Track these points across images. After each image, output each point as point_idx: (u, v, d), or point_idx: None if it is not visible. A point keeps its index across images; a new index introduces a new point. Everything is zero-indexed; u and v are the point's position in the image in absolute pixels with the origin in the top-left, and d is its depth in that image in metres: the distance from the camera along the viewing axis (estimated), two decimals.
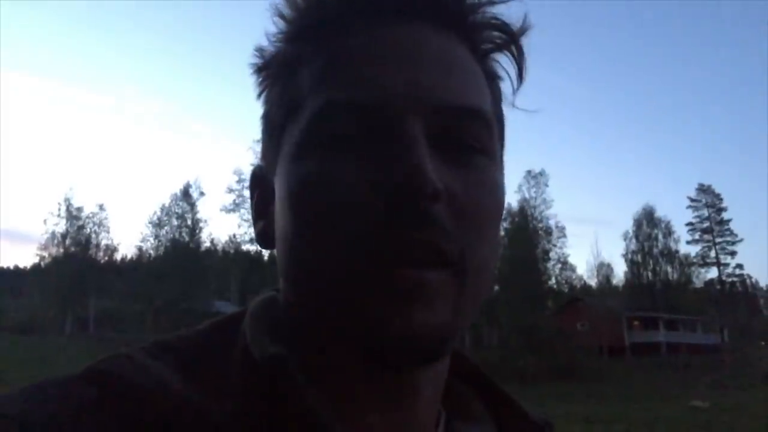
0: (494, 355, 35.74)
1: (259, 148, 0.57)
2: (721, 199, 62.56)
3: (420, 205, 0.42)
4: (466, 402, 0.56)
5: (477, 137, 0.47)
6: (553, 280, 46.36)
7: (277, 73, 0.52)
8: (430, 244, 0.42)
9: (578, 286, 57.74)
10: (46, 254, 48.70)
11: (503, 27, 0.51)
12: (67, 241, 48.35)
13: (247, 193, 0.68)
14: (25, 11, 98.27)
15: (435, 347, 0.43)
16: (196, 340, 0.49)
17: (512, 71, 0.52)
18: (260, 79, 0.54)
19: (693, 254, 61.99)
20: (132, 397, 0.41)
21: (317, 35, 0.49)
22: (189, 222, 48.29)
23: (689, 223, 62.88)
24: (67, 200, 49.06)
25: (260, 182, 0.54)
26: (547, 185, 45.95)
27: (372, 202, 0.43)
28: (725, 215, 62.28)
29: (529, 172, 45.81)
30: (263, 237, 0.53)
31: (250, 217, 0.58)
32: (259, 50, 0.53)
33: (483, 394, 0.58)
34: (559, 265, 46.62)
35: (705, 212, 62.66)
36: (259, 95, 0.54)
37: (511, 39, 0.51)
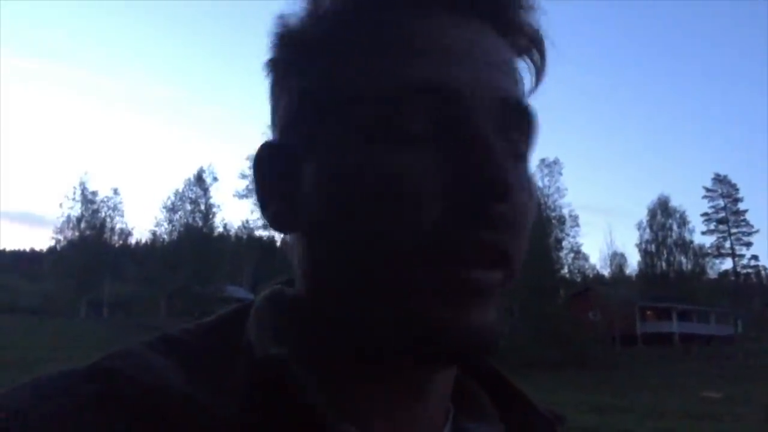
0: (505, 344, 35.66)
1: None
2: (737, 190, 62.00)
3: (495, 206, 0.42)
4: (475, 399, 0.55)
5: (525, 136, 0.47)
6: (566, 269, 46.25)
7: (319, 48, 0.48)
8: (498, 245, 0.42)
9: (591, 275, 57.55)
10: (61, 237, 49.28)
11: (535, 28, 0.50)
12: (82, 225, 48.84)
13: None
14: None
15: (491, 346, 0.43)
16: (201, 336, 0.48)
17: (532, 70, 0.52)
18: (292, 52, 0.49)
19: (708, 245, 61.67)
20: (136, 395, 0.41)
21: (370, 17, 0.47)
22: (202, 207, 48.49)
23: (704, 214, 62.40)
24: (83, 184, 49.61)
25: (280, 160, 0.50)
26: (561, 174, 45.77)
27: (446, 198, 0.42)
28: (741, 206, 61.83)
29: (542, 160, 45.47)
30: (282, 220, 0.49)
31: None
32: (284, 21, 0.50)
33: (492, 390, 0.56)
34: (572, 254, 46.49)
35: (720, 202, 62.13)
36: (287, 69, 0.50)
37: (539, 41, 0.51)
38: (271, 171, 0.50)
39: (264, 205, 0.50)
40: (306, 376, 0.42)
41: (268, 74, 0.51)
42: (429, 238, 0.41)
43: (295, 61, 0.49)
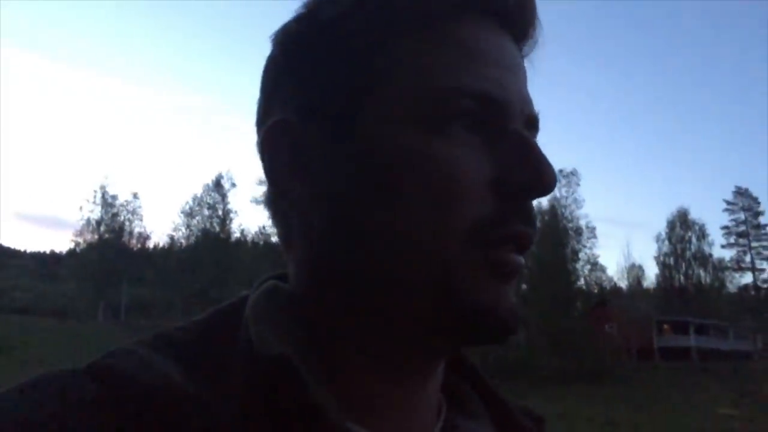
0: (520, 355, 35.54)
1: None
2: (759, 203, 61.29)
3: (530, 203, 0.47)
4: (465, 397, 0.57)
5: None
6: (582, 281, 45.93)
7: (357, 35, 0.48)
8: (531, 237, 0.47)
9: (608, 287, 57.08)
10: (81, 240, 49.84)
11: (537, 37, 0.53)
12: (102, 228, 49.33)
13: None
14: (67, 3, 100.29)
15: (518, 326, 0.47)
16: (198, 333, 0.48)
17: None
18: (325, 35, 0.49)
19: (727, 258, 60.93)
20: (136, 395, 0.40)
21: (416, 11, 0.48)
22: (220, 212, 48.94)
23: (725, 227, 61.78)
24: (103, 188, 50.10)
25: (302, 138, 0.49)
26: (578, 185, 45.58)
27: (496, 191, 0.45)
28: (762, 219, 61.03)
29: (560, 171, 45.32)
30: (298, 200, 0.49)
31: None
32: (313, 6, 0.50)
33: (480, 392, 0.58)
34: (589, 266, 46.22)
35: (741, 216, 61.43)
36: (316, 51, 0.49)
37: (537, 45, 0.53)
38: (290, 148, 0.49)
39: (275, 182, 0.50)
40: (310, 375, 0.43)
41: (289, 49, 0.51)
42: (480, 223, 0.44)
43: (334, 39, 0.48)
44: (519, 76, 0.50)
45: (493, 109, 0.46)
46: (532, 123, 0.50)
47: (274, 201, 0.52)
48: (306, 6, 0.51)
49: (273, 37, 0.52)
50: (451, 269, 0.44)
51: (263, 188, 0.52)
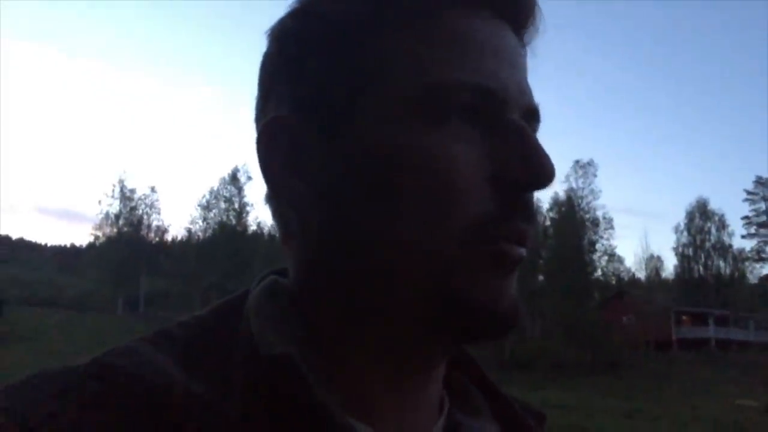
0: (536, 347, 35.44)
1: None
2: None
3: (530, 196, 0.46)
4: (467, 394, 0.56)
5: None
6: (599, 272, 45.60)
7: (351, 31, 0.47)
8: (527, 231, 0.46)
9: (626, 278, 56.65)
10: (100, 233, 50.36)
11: (538, 27, 0.52)
12: (120, 222, 49.79)
13: None
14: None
15: (518, 319, 0.46)
16: (199, 329, 0.48)
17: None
18: (320, 30, 0.48)
19: (748, 249, 60.12)
20: (137, 392, 0.40)
21: (404, 9, 0.47)
22: (236, 205, 49.16)
23: (745, 217, 60.83)
24: (121, 182, 50.46)
25: (297, 135, 0.48)
26: (595, 175, 45.10)
27: (495, 185, 0.45)
28: None
29: (577, 161, 45.05)
30: (289, 198, 0.48)
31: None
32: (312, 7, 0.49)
33: (482, 388, 0.57)
34: (606, 257, 45.84)
35: (762, 205, 60.50)
36: (311, 46, 0.48)
37: (538, 35, 0.53)
38: (287, 146, 0.48)
39: (272, 179, 0.49)
40: (311, 373, 0.43)
41: (284, 46, 0.50)
42: (482, 222, 0.44)
43: (328, 34, 0.48)
44: (517, 67, 0.49)
45: (491, 102, 0.46)
46: (531, 115, 0.49)
47: (272, 198, 0.51)
48: (300, 1, 0.50)
49: (268, 32, 0.51)
50: (451, 267, 0.44)
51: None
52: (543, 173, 0.45)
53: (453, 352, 0.53)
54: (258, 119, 0.52)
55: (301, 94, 0.48)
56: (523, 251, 0.46)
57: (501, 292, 0.45)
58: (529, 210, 0.46)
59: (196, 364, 0.44)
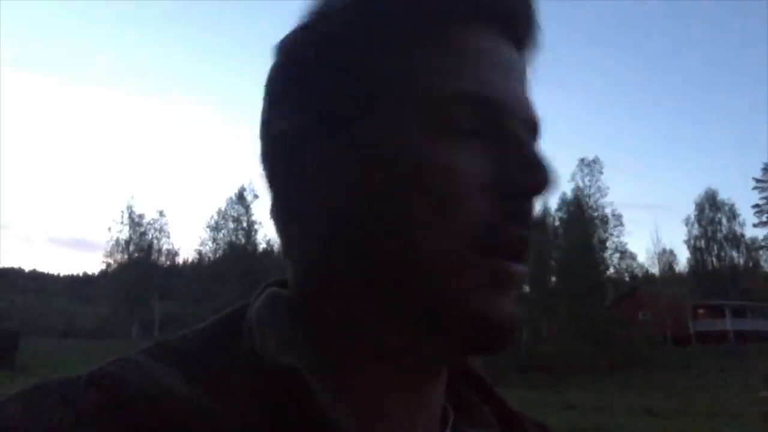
0: (552, 348, 35.24)
1: None
2: None
3: (528, 204, 0.46)
4: (472, 406, 0.56)
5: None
6: (612, 270, 45.38)
7: (358, 45, 0.48)
8: (526, 239, 0.46)
9: (640, 274, 56.33)
10: (111, 261, 50.70)
11: (537, 43, 0.53)
12: (131, 248, 50.16)
13: None
14: (84, 21, 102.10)
15: (510, 337, 0.46)
16: (199, 342, 0.48)
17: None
18: (326, 46, 0.49)
19: (760, 237, 59.68)
20: (138, 403, 0.40)
21: (411, 25, 0.48)
22: (245, 224, 49.39)
23: (755, 205, 60.27)
24: (130, 208, 50.91)
25: (301, 151, 0.49)
26: (601, 173, 44.96)
27: (495, 194, 0.45)
28: None
29: (582, 160, 44.92)
30: (294, 212, 0.49)
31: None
32: (318, 17, 0.50)
33: (489, 402, 0.57)
34: (618, 254, 45.61)
35: None
36: (317, 62, 0.49)
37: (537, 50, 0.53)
38: (292, 160, 0.49)
39: (277, 193, 0.50)
40: (319, 384, 0.43)
41: (291, 60, 0.51)
42: (481, 230, 0.44)
43: (335, 49, 0.48)
44: (518, 80, 0.50)
45: (492, 113, 0.46)
46: (532, 127, 0.50)
47: (277, 212, 0.51)
48: (308, 15, 0.50)
49: (275, 47, 0.52)
50: (451, 277, 0.44)
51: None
52: (540, 179, 0.45)
53: (454, 363, 0.53)
54: (263, 134, 0.52)
55: (307, 108, 0.49)
56: (523, 269, 0.46)
57: (495, 306, 0.45)
58: (526, 217, 0.46)
59: (197, 375, 0.44)
